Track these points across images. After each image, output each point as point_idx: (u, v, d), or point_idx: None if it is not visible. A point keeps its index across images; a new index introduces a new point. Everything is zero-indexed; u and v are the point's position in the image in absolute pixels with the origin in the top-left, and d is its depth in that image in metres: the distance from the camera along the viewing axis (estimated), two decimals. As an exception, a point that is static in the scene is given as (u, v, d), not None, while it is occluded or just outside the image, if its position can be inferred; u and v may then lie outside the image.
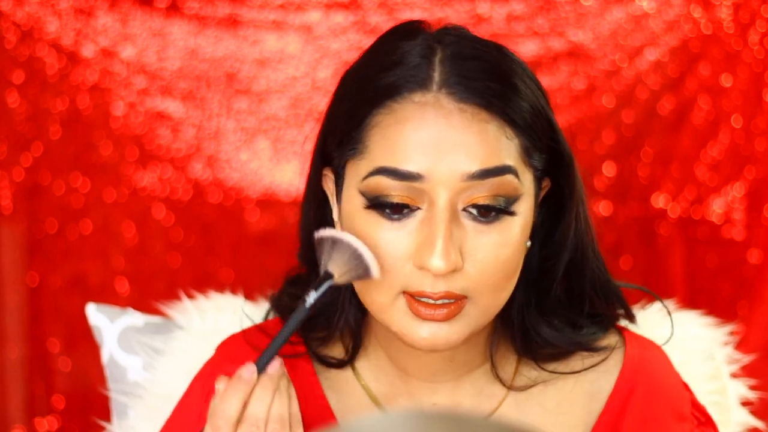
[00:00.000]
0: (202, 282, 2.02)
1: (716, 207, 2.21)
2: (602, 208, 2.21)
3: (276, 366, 1.27)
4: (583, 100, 2.19)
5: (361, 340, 1.42)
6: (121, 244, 2.19)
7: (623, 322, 1.46)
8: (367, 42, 1.39)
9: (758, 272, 2.19)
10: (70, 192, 2.18)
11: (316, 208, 1.41)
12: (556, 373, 1.41)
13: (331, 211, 1.37)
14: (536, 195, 1.33)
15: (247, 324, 1.51)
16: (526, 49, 2.16)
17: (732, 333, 1.73)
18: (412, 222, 1.27)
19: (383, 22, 2.14)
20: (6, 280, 2.18)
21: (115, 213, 2.18)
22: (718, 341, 1.72)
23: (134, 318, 1.79)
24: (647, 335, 1.49)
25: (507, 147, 1.28)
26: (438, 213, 1.26)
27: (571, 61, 2.18)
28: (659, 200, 2.21)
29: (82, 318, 1.82)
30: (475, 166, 1.26)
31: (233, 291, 1.80)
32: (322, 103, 1.39)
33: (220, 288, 1.83)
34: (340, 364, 1.42)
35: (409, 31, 1.34)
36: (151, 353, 1.74)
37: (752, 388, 1.72)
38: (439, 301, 1.27)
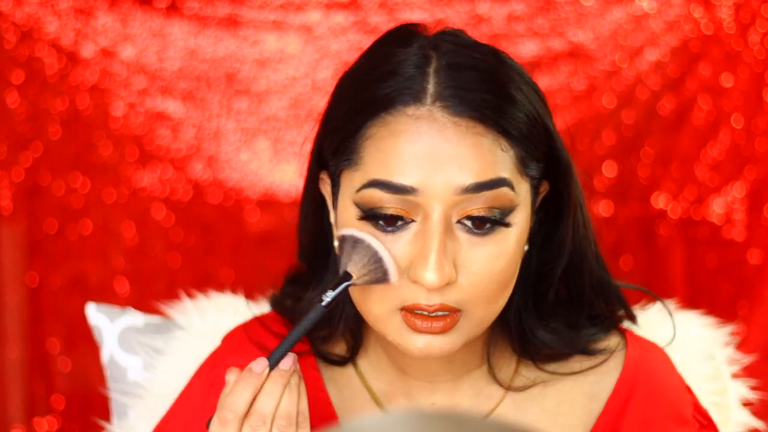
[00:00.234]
0: (202, 282, 2.01)
1: (716, 207, 2.20)
2: (602, 208, 2.21)
3: (288, 362, 1.27)
4: (584, 101, 2.19)
5: (362, 340, 1.43)
6: (121, 244, 2.19)
7: (625, 324, 1.46)
8: (367, 42, 1.38)
9: (758, 272, 2.19)
10: (69, 192, 2.18)
11: (314, 211, 1.41)
12: (555, 373, 1.41)
13: (328, 213, 1.37)
14: (533, 203, 1.33)
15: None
16: (526, 50, 2.16)
17: (732, 333, 1.73)
18: (407, 234, 1.27)
19: (383, 23, 2.14)
20: (6, 280, 2.18)
21: (115, 213, 2.18)
22: (719, 341, 1.72)
23: (134, 318, 1.79)
24: (648, 335, 1.49)
25: (502, 159, 1.27)
26: (432, 226, 1.25)
27: (571, 61, 2.18)
28: (659, 200, 2.21)
29: (82, 318, 1.82)
30: (469, 180, 1.25)
31: (233, 291, 1.80)
32: (322, 103, 1.38)
33: (220, 288, 1.82)
34: (342, 362, 1.43)
35: (405, 35, 1.33)
36: (151, 353, 1.74)
37: (753, 388, 1.72)
38: (434, 314, 1.27)
